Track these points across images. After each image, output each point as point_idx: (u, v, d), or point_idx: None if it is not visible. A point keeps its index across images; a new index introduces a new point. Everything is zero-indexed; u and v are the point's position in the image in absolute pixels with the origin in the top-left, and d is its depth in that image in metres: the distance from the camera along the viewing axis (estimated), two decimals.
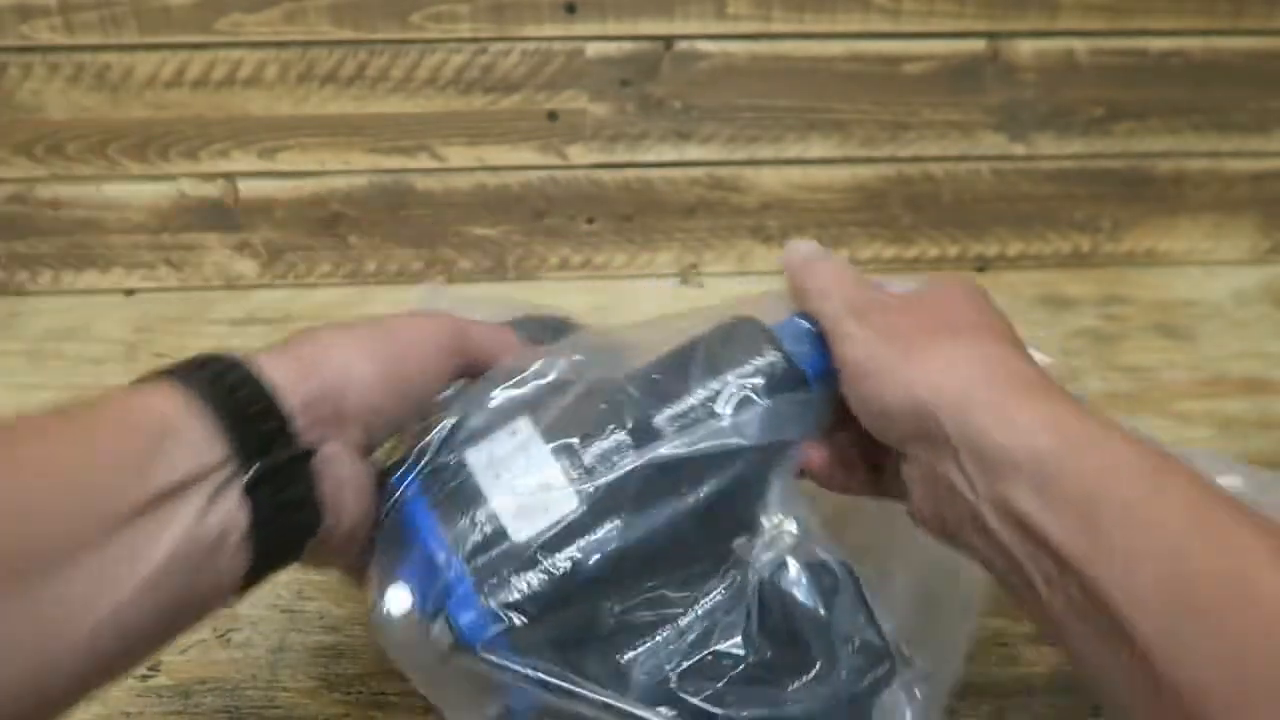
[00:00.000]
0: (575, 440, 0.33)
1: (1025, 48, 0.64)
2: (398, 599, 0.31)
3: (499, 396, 0.35)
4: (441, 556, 0.31)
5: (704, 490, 0.33)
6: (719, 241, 0.70)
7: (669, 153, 0.66)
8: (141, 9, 0.59)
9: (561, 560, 0.31)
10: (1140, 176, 0.69)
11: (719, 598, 0.33)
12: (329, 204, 0.67)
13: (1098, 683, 0.28)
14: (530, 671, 0.30)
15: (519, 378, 0.36)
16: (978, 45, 0.64)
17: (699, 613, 0.33)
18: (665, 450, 0.33)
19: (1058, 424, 0.29)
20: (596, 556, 0.31)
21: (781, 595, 0.33)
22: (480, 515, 0.32)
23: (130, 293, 0.69)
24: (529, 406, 0.35)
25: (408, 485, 0.34)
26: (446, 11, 0.61)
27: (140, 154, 0.64)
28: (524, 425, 0.34)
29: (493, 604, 0.30)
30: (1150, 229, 0.71)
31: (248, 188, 0.66)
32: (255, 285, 0.69)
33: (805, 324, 0.37)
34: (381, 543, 0.33)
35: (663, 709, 0.31)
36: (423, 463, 0.34)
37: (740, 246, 0.70)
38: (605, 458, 0.33)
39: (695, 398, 0.34)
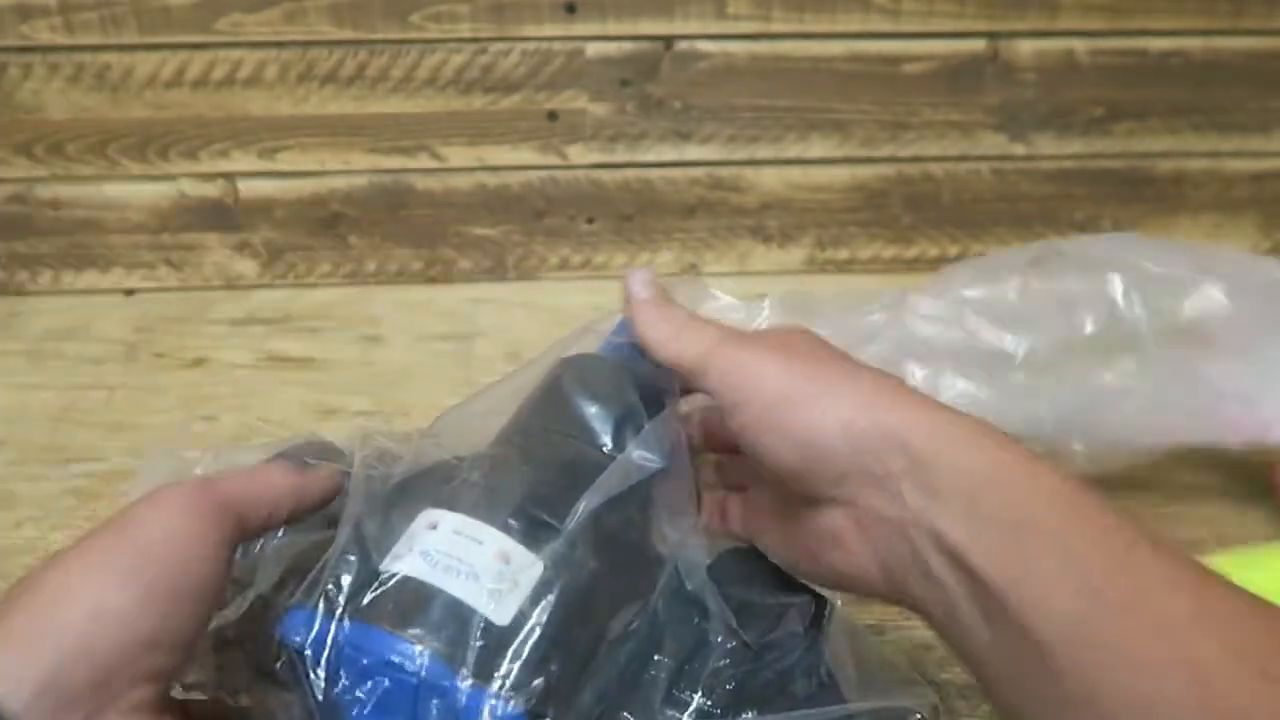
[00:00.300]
0: (509, 506, 0.31)
1: (1025, 48, 0.64)
2: None
3: (379, 502, 0.33)
4: (437, 678, 0.28)
5: (637, 517, 0.34)
6: (719, 241, 0.70)
7: (669, 153, 0.66)
8: (141, 9, 0.59)
9: (555, 624, 0.29)
10: (1140, 176, 0.69)
11: (674, 611, 0.33)
12: (329, 204, 0.67)
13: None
14: None
15: (391, 478, 0.33)
16: (978, 45, 0.64)
17: (671, 632, 0.33)
18: (595, 498, 0.32)
19: (982, 448, 0.28)
20: (583, 607, 0.30)
21: (729, 583, 0.34)
22: (457, 616, 0.29)
23: (130, 293, 0.69)
24: (428, 500, 0.32)
25: (339, 632, 0.29)
26: (446, 11, 0.61)
27: (140, 154, 0.64)
28: (441, 515, 0.31)
29: (521, 703, 0.28)
30: (1150, 229, 0.71)
31: (248, 188, 0.66)
32: (255, 285, 0.69)
33: (621, 339, 0.39)
34: (286, 714, 0.29)
35: None
36: (341, 603, 0.30)
37: (740, 246, 0.70)
38: (542, 519, 0.31)
39: (594, 437, 0.35)
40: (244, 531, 0.31)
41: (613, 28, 0.62)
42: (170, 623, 0.27)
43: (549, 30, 0.62)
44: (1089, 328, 0.46)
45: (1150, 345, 0.45)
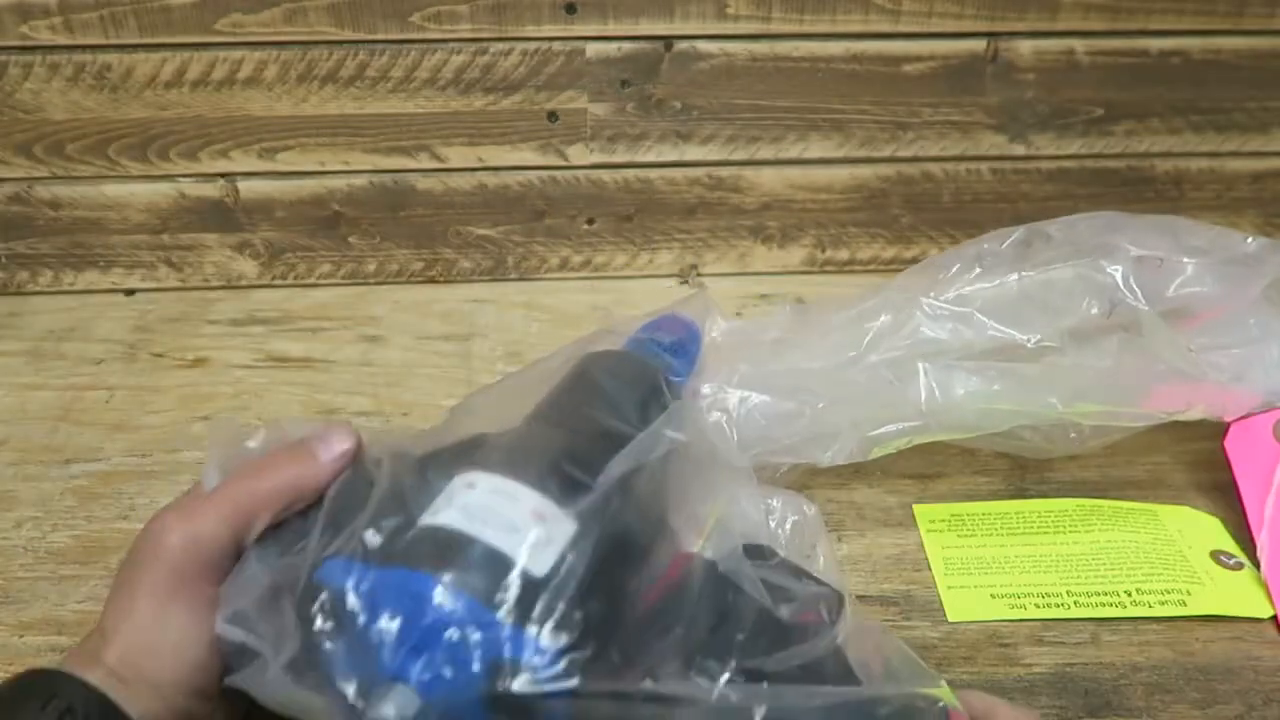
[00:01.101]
0: (543, 467, 0.32)
1: (1025, 48, 0.64)
2: (405, 701, 0.28)
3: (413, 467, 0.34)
4: (477, 617, 0.29)
5: (662, 493, 0.35)
6: (719, 241, 0.70)
7: (669, 153, 0.66)
8: (141, 9, 0.59)
9: (588, 579, 0.30)
10: (1140, 176, 0.69)
11: (706, 585, 0.34)
12: (329, 204, 0.67)
13: None
14: (627, 690, 0.29)
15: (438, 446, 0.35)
16: (978, 45, 0.64)
17: (702, 605, 0.33)
18: (624, 464, 0.33)
19: None
20: (613, 567, 0.31)
21: (756, 566, 0.35)
22: (496, 563, 0.30)
23: (130, 293, 0.69)
24: (464, 463, 0.33)
25: (379, 575, 0.30)
26: (446, 11, 0.61)
27: (140, 154, 0.64)
28: (477, 475, 0.32)
29: (558, 642, 0.29)
30: None
31: (248, 188, 0.66)
32: (255, 285, 0.69)
33: (644, 336, 0.41)
34: (324, 656, 0.30)
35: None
36: (381, 550, 0.31)
37: (740, 246, 0.70)
38: (576, 478, 0.32)
39: (624, 414, 0.36)
40: (241, 544, 0.34)
41: (613, 28, 0.62)
42: (210, 632, 0.32)
43: (549, 30, 0.62)
44: (1095, 313, 0.47)
45: (1148, 326, 0.47)
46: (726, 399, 0.46)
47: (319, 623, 0.30)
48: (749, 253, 0.71)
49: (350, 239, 0.68)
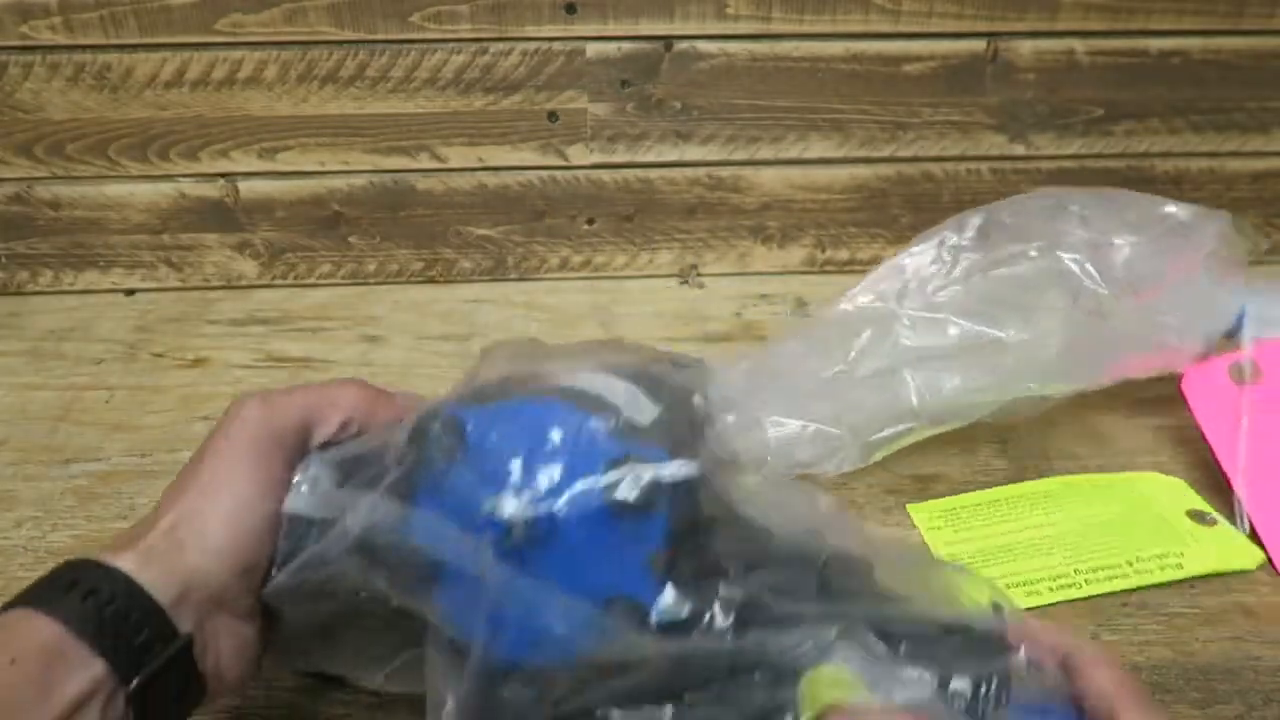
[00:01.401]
0: (628, 372, 0.35)
1: (1025, 48, 0.64)
2: (525, 500, 0.30)
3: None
4: (596, 426, 0.31)
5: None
6: (719, 241, 0.70)
7: (669, 153, 0.66)
8: (141, 9, 0.59)
9: (678, 441, 0.32)
10: (1140, 176, 0.69)
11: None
12: (329, 204, 0.67)
13: None
14: (732, 510, 0.32)
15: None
16: (978, 45, 0.64)
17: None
18: (688, 385, 0.36)
19: None
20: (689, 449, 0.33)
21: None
22: (603, 404, 0.32)
23: (130, 293, 0.69)
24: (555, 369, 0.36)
25: (497, 408, 0.32)
26: (446, 11, 0.61)
27: (140, 154, 0.64)
28: (575, 373, 0.35)
29: (667, 449, 0.31)
30: None
31: (248, 188, 0.66)
32: (255, 285, 0.69)
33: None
34: (441, 468, 0.31)
35: None
36: (483, 395, 0.33)
37: (740, 246, 0.70)
38: (656, 378, 0.35)
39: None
40: (307, 446, 0.35)
41: (613, 28, 0.62)
42: (274, 510, 0.33)
43: (549, 30, 0.62)
44: (1062, 301, 0.50)
45: (1108, 306, 0.50)
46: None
47: (437, 443, 0.31)
48: (749, 253, 0.71)
49: (350, 239, 0.68)
